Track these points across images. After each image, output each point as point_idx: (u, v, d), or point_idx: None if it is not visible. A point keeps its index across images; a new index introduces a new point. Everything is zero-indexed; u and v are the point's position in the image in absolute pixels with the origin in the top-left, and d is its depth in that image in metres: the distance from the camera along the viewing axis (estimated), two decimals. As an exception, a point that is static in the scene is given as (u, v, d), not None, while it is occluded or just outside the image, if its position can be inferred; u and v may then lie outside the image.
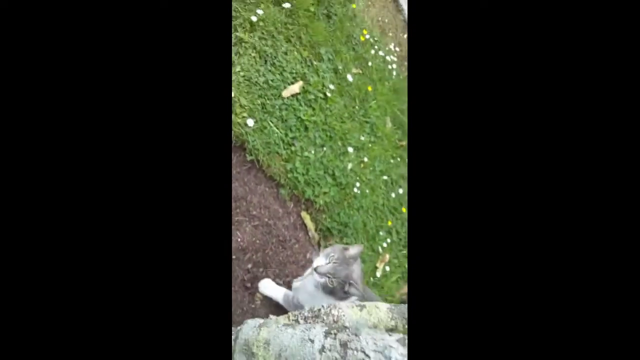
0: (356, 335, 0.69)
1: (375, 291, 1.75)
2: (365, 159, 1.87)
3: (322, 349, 0.71)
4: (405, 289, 1.92)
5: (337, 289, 1.06)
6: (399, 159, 2.16)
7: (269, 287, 1.34)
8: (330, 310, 0.95)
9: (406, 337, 0.67)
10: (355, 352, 0.67)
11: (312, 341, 0.73)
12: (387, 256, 1.84)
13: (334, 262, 1.05)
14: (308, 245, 1.57)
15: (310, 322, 0.96)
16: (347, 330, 0.72)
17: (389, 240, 1.88)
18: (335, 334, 0.72)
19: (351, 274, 1.05)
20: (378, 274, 1.77)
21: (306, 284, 1.18)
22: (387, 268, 1.81)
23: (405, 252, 1.99)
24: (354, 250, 1.09)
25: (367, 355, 0.65)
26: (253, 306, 1.36)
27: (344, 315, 0.94)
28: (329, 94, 1.75)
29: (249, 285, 1.36)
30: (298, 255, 1.52)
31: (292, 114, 1.59)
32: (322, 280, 1.05)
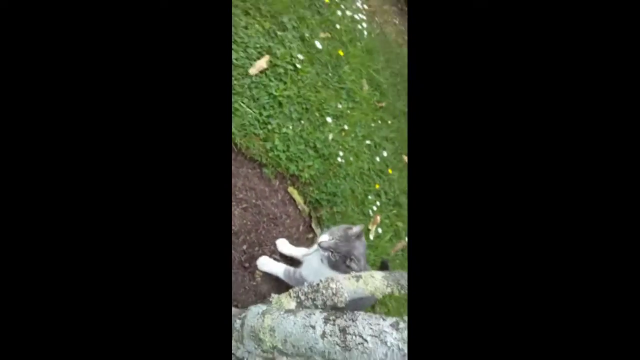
0: (353, 320, 0.74)
1: (371, 252, 1.81)
2: (346, 127, 1.87)
3: (324, 335, 0.77)
4: (399, 246, 1.98)
5: (339, 263, 1.13)
6: (379, 121, 2.16)
7: (267, 264, 1.39)
8: (329, 283, 0.99)
9: (399, 320, 0.72)
10: (353, 336, 0.72)
11: (314, 327, 0.79)
12: (378, 218, 1.89)
13: (337, 239, 1.12)
14: (299, 218, 1.60)
15: (310, 297, 1.00)
16: (345, 316, 0.76)
17: (378, 203, 1.92)
18: (334, 320, 0.77)
19: (352, 250, 1.13)
20: (371, 237, 1.82)
21: (311, 260, 1.24)
22: (380, 230, 1.86)
23: (395, 211, 2.04)
24: (356, 229, 1.17)
25: (365, 340, 0.70)
26: (254, 284, 1.40)
27: (341, 287, 0.98)
28: (298, 65, 1.71)
29: (247, 265, 1.40)
30: (291, 229, 1.55)
31: (263, 91, 1.56)
32: (326, 254, 1.13)
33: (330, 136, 1.77)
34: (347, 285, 0.98)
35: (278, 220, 1.50)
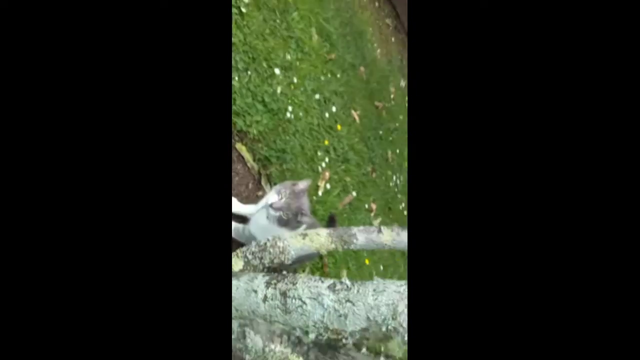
0: (293, 284, 0.75)
1: (320, 207, 1.84)
2: (295, 80, 1.79)
3: (265, 299, 0.78)
4: (346, 200, 2.04)
5: (291, 220, 1.14)
6: (329, 75, 2.09)
7: (237, 206, 1.37)
8: (276, 242, 1.00)
9: (336, 281, 0.73)
10: (293, 299, 0.73)
11: (256, 292, 0.79)
12: (327, 174, 1.90)
13: (287, 197, 1.12)
14: (248, 176, 1.55)
15: (258, 256, 1.00)
16: (286, 279, 0.77)
17: (327, 159, 1.92)
18: (275, 284, 0.77)
19: (302, 206, 1.14)
20: (320, 192, 1.84)
21: (258, 218, 1.22)
22: (328, 185, 1.89)
23: (344, 167, 2.07)
24: (302, 184, 1.16)
25: (304, 302, 0.71)
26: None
27: (288, 246, 0.99)
28: (244, 9, 1.56)
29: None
30: (240, 187, 1.51)
31: (206, 36, 1.41)
32: (277, 214, 1.12)
33: (279, 89, 1.68)
34: (294, 243, 0.99)
35: (226, 179, 1.45)
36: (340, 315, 0.69)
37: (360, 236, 1.01)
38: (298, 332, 0.77)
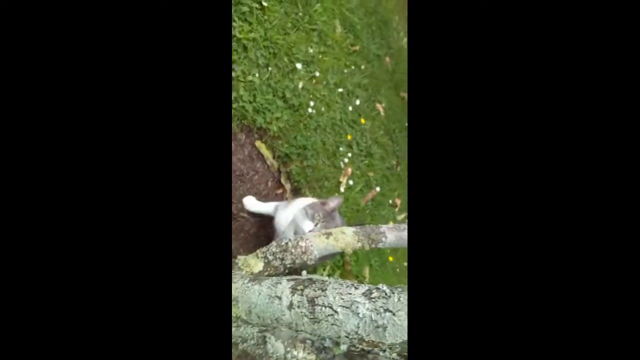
0: (322, 290, 0.70)
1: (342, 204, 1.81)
2: (317, 73, 1.75)
3: (291, 306, 0.73)
4: (369, 196, 2.00)
5: None
6: (353, 67, 2.03)
7: (256, 205, 1.37)
8: (298, 242, 0.97)
9: (372, 288, 0.68)
10: (323, 307, 0.68)
11: (280, 298, 0.75)
12: (350, 170, 1.87)
13: (322, 221, 1.08)
14: (268, 174, 1.55)
15: (279, 257, 0.97)
16: (313, 285, 0.73)
17: (349, 155, 1.88)
18: (302, 290, 0.73)
19: (338, 224, 1.12)
20: (342, 189, 1.81)
21: (297, 225, 1.17)
22: (351, 182, 1.85)
23: (367, 161, 2.02)
24: (332, 203, 1.12)
25: (335, 311, 0.66)
26: (222, 242, 1.38)
27: (311, 245, 0.96)
28: (265, 3, 1.52)
29: (214, 223, 1.36)
30: (259, 186, 1.51)
31: (226, 33, 1.40)
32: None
33: (300, 84, 1.65)
34: (317, 243, 0.96)
35: (245, 177, 1.44)
36: (377, 326, 0.63)
37: (390, 234, 0.96)
38: (327, 343, 0.73)
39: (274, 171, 1.56)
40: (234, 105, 1.41)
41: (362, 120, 2.02)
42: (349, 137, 1.90)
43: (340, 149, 1.84)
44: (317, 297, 0.72)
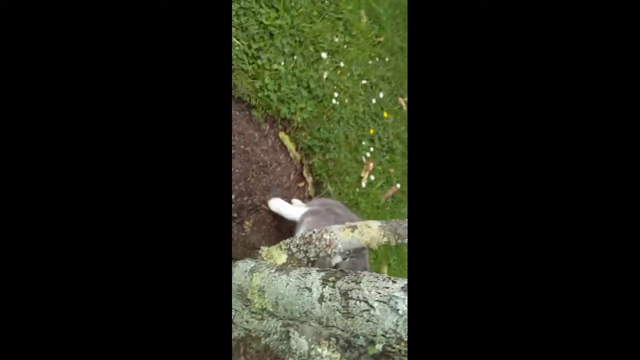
0: (357, 283, 0.66)
1: (362, 200, 1.77)
2: (342, 64, 1.70)
3: (322, 299, 0.69)
4: (390, 192, 1.95)
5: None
6: (377, 59, 1.98)
7: (284, 206, 1.29)
8: (322, 234, 0.93)
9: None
10: (357, 302, 0.63)
11: (310, 290, 0.71)
12: (372, 164, 1.82)
13: (350, 258, 1.08)
14: (290, 166, 1.51)
15: (302, 249, 0.94)
16: (346, 277, 0.68)
17: (371, 149, 1.83)
18: (334, 282, 0.68)
19: (365, 265, 1.13)
20: (363, 184, 1.77)
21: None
22: (372, 177, 1.80)
23: (388, 157, 1.97)
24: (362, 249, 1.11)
25: (371, 306, 0.61)
26: (244, 234, 1.35)
27: (336, 238, 0.92)
28: (292, -11, 1.48)
29: (235, 215, 1.33)
30: (282, 178, 1.47)
31: (252, 19, 1.35)
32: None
33: (325, 75, 1.60)
34: (342, 237, 0.92)
35: (268, 169, 1.41)
36: None
37: None
38: (361, 341, 0.69)
39: (297, 163, 1.52)
40: (258, 95, 1.37)
41: (385, 114, 1.97)
42: (372, 131, 1.85)
43: (363, 143, 1.79)
44: (350, 290, 0.66)
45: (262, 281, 0.82)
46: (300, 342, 0.83)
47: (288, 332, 0.89)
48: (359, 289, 0.65)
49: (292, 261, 0.95)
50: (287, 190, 1.44)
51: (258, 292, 0.80)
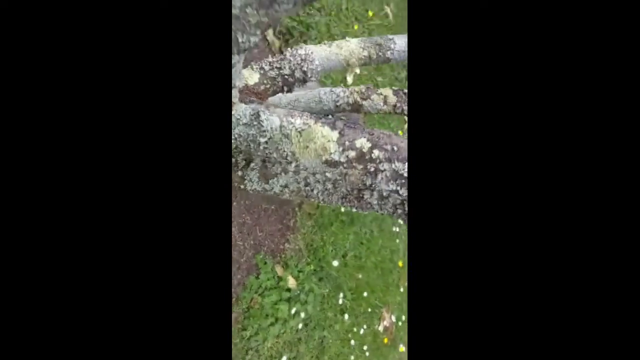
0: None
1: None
2: None
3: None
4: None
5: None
6: None
7: None
8: (297, 50, 0.89)
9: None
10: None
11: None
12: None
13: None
14: (268, 52, 1.47)
15: (276, 66, 0.90)
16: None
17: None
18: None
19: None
20: (349, 78, 1.72)
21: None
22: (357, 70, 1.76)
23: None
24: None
25: None
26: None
27: (312, 53, 0.89)
28: None
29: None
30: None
31: None
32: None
33: None
34: (318, 52, 0.89)
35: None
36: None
37: (400, 40, 0.87)
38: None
39: (275, 50, 1.48)
40: None
41: (370, 13, 1.90)
42: (356, 27, 1.79)
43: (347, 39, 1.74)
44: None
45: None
46: (271, 120, 0.81)
47: (258, 113, 0.87)
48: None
49: (265, 80, 0.92)
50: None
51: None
